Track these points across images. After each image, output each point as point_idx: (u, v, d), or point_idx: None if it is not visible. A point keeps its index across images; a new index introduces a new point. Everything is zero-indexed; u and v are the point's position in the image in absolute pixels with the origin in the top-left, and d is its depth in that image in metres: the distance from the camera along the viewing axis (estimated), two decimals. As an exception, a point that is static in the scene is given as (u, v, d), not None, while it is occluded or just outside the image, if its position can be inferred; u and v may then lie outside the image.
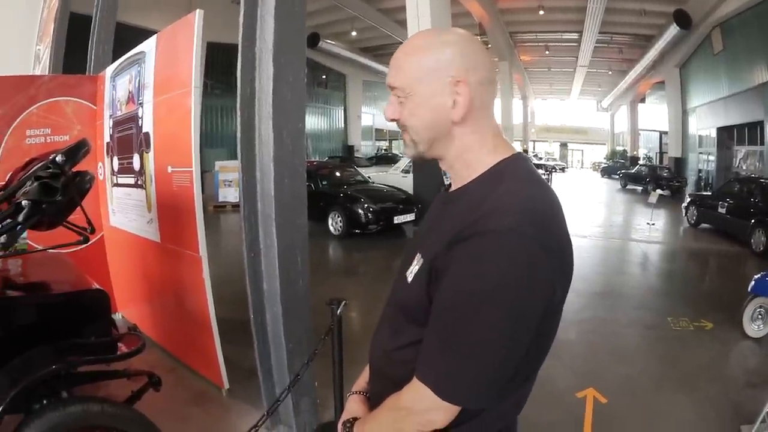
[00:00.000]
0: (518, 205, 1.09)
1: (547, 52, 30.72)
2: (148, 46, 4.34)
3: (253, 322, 3.43)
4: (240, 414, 2.52)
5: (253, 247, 3.32)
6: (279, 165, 3.16)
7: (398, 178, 14.58)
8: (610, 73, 34.11)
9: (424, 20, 10.70)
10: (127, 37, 6.61)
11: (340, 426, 1.41)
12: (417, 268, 1.24)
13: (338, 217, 11.42)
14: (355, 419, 1.38)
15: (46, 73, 8.26)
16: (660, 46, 24.21)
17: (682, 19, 20.43)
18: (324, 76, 34.04)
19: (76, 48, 8.06)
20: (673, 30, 21.49)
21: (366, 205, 10.98)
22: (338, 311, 2.77)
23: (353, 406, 1.47)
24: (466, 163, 1.25)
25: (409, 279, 1.26)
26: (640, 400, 4.04)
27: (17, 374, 2.35)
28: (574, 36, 26.22)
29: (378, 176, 14.95)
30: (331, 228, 11.56)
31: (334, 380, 2.52)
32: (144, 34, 4.86)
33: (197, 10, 3.62)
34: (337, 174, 13.62)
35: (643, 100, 36.76)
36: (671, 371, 4.55)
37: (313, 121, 32.01)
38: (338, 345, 2.77)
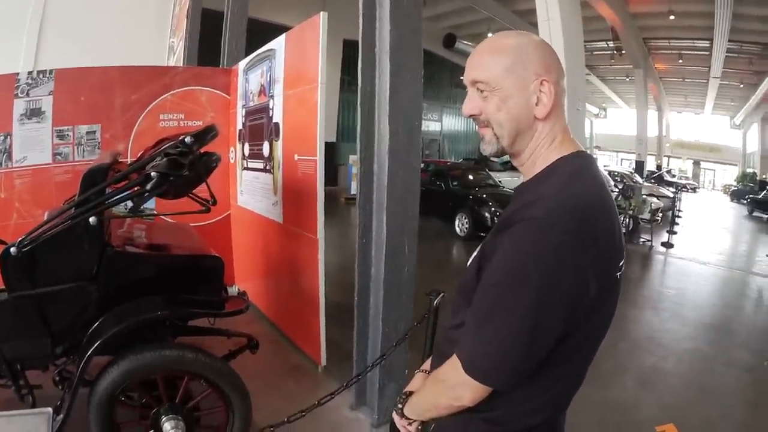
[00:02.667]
0: (553, 199, 1.14)
1: (680, 61, 28.78)
2: (278, 43, 4.62)
3: (356, 303, 3.58)
4: (329, 390, 2.68)
5: (366, 233, 3.48)
6: (394, 159, 3.28)
7: None
8: (741, 86, 31.55)
9: (554, 23, 10.46)
10: (260, 32, 7.01)
11: (398, 398, 1.51)
12: (475, 254, 1.34)
13: (465, 218, 11.42)
14: (411, 393, 1.48)
15: (180, 65, 8.84)
16: None
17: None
18: (461, 77, 33.59)
19: (209, 41, 8.50)
20: None
21: (493, 209, 10.83)
22: (435, 302, 2.85)
23: (415, 381, 1.59)
24: (534, 159, 1.29)
25: (468, 264, 1.36)
26: None
27: (123, 316, 2.63)
28: (706, 44, 24.41)
29: (509, 181, 14.72)
30: (457, 229, 11.58)
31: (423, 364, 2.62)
32: (276, 29, 5.15)
33: (322, 12, 3.86)
34: (469, 176, 13.52)
35: None
36: (755, 418, 4.28)
37: (451, 122, 31.47)
38: (431, 334, 2.86)
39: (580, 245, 1.10)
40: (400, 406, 1.47)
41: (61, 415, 2.58)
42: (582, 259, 1.11)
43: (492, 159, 1.42)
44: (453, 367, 1.22)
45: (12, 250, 2.48)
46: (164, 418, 2.72)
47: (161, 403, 2.75)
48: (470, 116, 1.32)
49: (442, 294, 2.84)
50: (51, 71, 5.14)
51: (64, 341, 2.75)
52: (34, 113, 5.08)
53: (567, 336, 1.18)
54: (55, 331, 2.72)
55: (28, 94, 5.05)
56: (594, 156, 1.37)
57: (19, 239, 2.50)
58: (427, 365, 1.60)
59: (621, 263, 1.24)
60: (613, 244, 1.19)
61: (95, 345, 2.53)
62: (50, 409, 2.56)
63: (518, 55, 1.23)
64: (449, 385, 1.25)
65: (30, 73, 5.13)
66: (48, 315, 2.69)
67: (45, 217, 2.71)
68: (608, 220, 1.19)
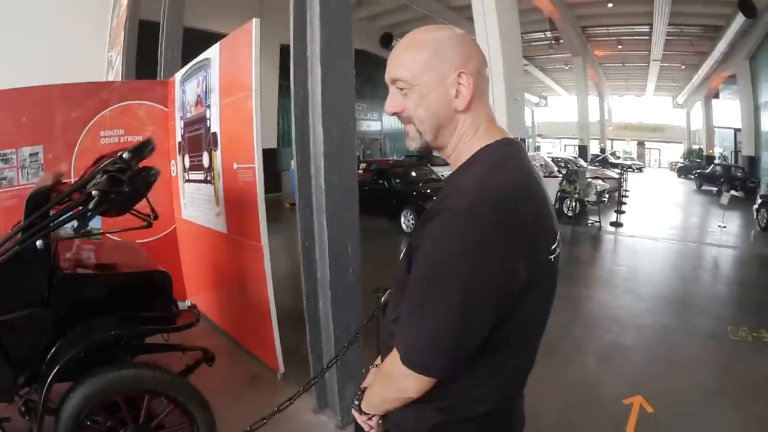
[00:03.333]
0: (475, 187, 1.16)
1: (619, 47, 29.41)
2: (213, 52, 4.60)
3: (306, 308, 3.59)
4: (289, 395, 2.70)
5: (308, 237, 3.49)
6: (330, 161, 3.31)
7: None
8: (683, 67, 32.46)
9: (490, 17, 10.55)
10: (197, 41, 6.91)
11: (354, 394, 1.53)
12: (405, 247, 1.38)
13: (410, 214, 11.52)
14: (365, 388, 1.49)
15: (119, 79, 8.73)
16: (729, 37, 22.61)
17: (747, 7, 18.76)
18: None
19: (148, 53, 8.34)
20: (740, 19, 20.03)
21: None
22: (383, 298, 2.88)
23: (369, 377, 1.59)
24: (459, 151, 1.31)
25: (401, 256, 1.36)
26: (687, 412, 3.94)
27: (77, 340, 2.61)
28: (645, 29, 25.01)
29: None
30: (404, 225, 11.68)
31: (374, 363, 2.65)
32: (214, 37, 5.11)
33: (254, 19, 3.86)
34: (412, 173, 13.64)
35: (716, 96, 34.75)
36: (723, 384, 4.40)
37: (391, 121, 31.30)
38: (381, 331, 2.89)
39: (503, 233, 1.11)
40: (357, 402, 1.49)
41: None
42: (506, 247, 1.12)
43: (417, 154, 1.44)
44: (394, 360, 1.24)
45: None
46: None
47: (126, 425, 2.73)
48: (393, 114, 1.33)
49: (389, 291, 2.87)
50: None
51: (24, 370, 2.71)
52: None
53: (502, 322, 1.19)
54: (15, 361, 2.68)
55: None
56: (522, 142, 1.39)
57: None
58: (380, 360, 1.60)
59: (554, 246, 1.26)
60: (542, 228, 1.21)
61: (53, 372, 2.51)
62: None
63: (435, 50, 1.25)
64: (393, 378, 1.27)
65: None
66: (4, 344, 2.64)
67: None
68: (534, 204, 1.20)
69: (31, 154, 5.14)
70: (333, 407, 3.64)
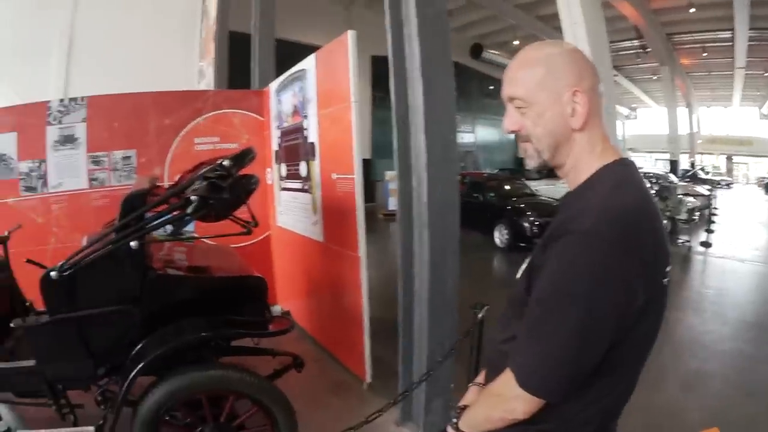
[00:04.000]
0: (600, 208, 1.16)
1: (704, 54, 28.14)
2: (309, 63, 4.66)
3: (401, 320, 3.58)
4: (375, 406, 2.66)
5: (407, 250, 3.48)
6: (432, 173, 3.28)
7: (566, 191, 13.99)
8: (766, 74, 31.15)
9: (578, 27, 10.37)
10: (288, 52, 7.09)
11: (453, 412, 1.50)
12: (524, 266, 1.36)
13: (504, 229, 11.29)
14: (465, 407, 1.46)
15: (211, 88, 8.97)
16: None
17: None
18: (491, 87, 32.36)
19: (238, 64, 8.63)
20: None
21: (532, 219, 10.67)
22: (480, 315, 2.81)
23: (469, 395, 1.58)
24: (577, 169, 1.31)
25: (518, 276, 1.37)
26: None
27: (166, 338, 2.67)
28: (727, 34, 23.99)
29: (545, 189, 14.49)
30: (497, 240, 11.45)
31: (469, 380, 2.59)
32: (303, 49, 5.21)
33: (349, 31, 3.90)
34: (506, 186, 13.28)
35: None
36: None
37: (484, 133, 30.86)
38: (476, 348, 2.82)
39: (626, 256, 1.12)
40: (455, 420, 1.45)
41: None
42: (628, 270, 1.12)
43: (534, 171, 1.43)
44: (506, 380, 1.24)
45: (52, 274, 2.53)
46: None
47: (205, 423, 2.78)
48: (511, 132, 1.34)
49: (486, 307, 2.81)
50: (83, 98, 5.26)
51: (106, 362, 2.80)
52: (67, 140, 5.20)
53: (616, 345, 1.18)
54: (97, 353, 2.77)
55: (60, 122, 5.19)
56: (635, 162, 1.39)
57: (60, 263, 2.55)
58: (480, 378, 1.60)
59: (667, 269, 1.25)
60: (659, 251, 1.21)
61: (139, 367, 2.58)
62: (92, 429, 2.67)
63: (549, 68, 1.25)
64: (502, 399, 1.26)
65: (62, 100, 5.26)
66: (90, 337, 2.74)
67: (84, 242, 2.76)
68: (653, 227, 1.20)
69: (123, 158, 5.39)
70: (416, 421, 3.59)
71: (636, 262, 1.13)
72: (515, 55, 1.34)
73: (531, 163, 1.35)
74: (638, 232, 1.15)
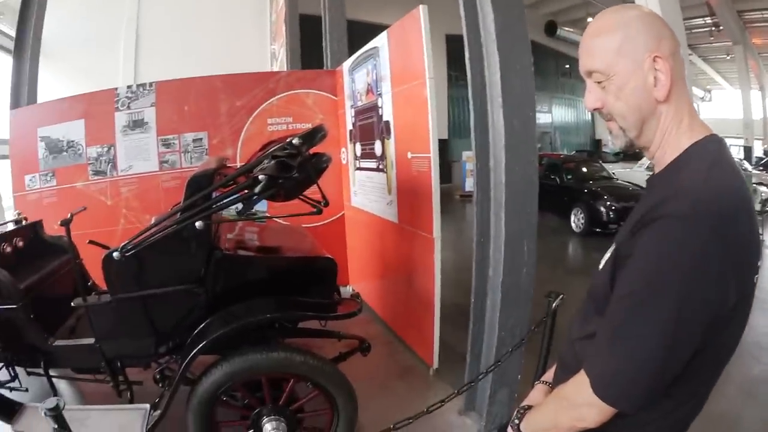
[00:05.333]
0: (697, 191, 1.03)
1: None
2: (381, 41, 4.59)
3: (472, 305, 3.48)
4: (440, 393, 2.59)
5: (483, 232, 3.36)
6: (510, 153, 3.14)
7: (643, 175, 13.48)
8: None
9: (652, 2, 9.97)
10: (359, 33, 7.07)
11: (514, 412, 1.41)
12: (608, 255, 1.25)
13: (580, 213, 11.00)
14: (529, 407, 1.38)
15: (284, 69, 9.10)
16: None
17: None
18: (567, 66, 31.58)
19: (310, 45, 8.74)
20: None
21: (609, 203, 10.39)
22: (554, 305, 2.69)
23: (534, 394, 1.50)
24: (664, 147, 1.19)
25: (600, 266, 1.27)
26: None
27: (230, 318, 2.65)
28: None
29: (623, 173, 14.12)
30: (573, 224, 11.19)
31: (537, 374, 2.49)
32: (375, 28, 5.15)
33: (421, 6, 3.81)
34: (583, 169, 13.02)
35: None
36: None
37: (561, 114, 30.32)
38: (548, 339, 2.69)
39: (724, 247, 1.00)
40: (517, 421, 1.37)
41: (158, 411, 2.66)
42: (725, 264, 1.00)
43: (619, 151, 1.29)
44: (579, 384, 1.14)
45: (114, 254, 2.58)
46: (265, 419, 2.75)
47: (264, 404, 2.77)
48: (594, 110, 1.24)
49: (561, 296, 2.67)
50: (151, 84, 5.43)
51: (167, 341, 2.84)
52: (137, 124, 5.40)
53: (700, 351, 1.07)
54: (160, 332, 2.81)
55: (129, 107, 5.39)
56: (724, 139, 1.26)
57: (122, 244, 2.58)
58: (548, 376, 1.53)
59: (759, 263, 1.12)
60: (754, 243, 1.08)
61: (201, 345, 2.58)
62: (147, 406, 2.71)
63: (625, 33, 1.14)
64: (573, 404, 1.17)
65: (129, 87, 5.45)
66: (153, 316, 2.77)
67: (152, 222, 2.78)
68: (750, 216, 1.06)
69: (194, 140, 5.52)
70: (480, 411, 3.50)
71: (732, 256, 1.01)
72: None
73: (617, 143, 1.25)
74: (736, 219, 1.02)
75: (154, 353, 2.85)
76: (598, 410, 1.10)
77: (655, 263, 1.02)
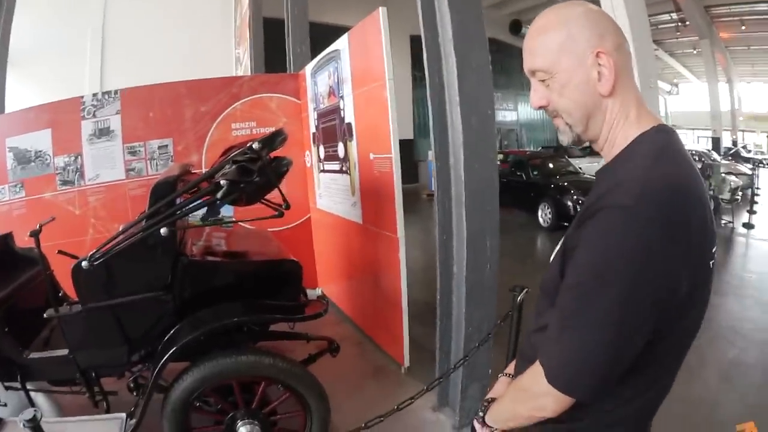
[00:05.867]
0: (642, 180, 1.03)
1: (743, 27, 27.47)
2: (342, 43, 4.60)
3: (438, 303, 3.50)
4: (412, 391, 2.61)
5: (446, 230, 3.39)
6: (469, 151, 3.18)
7: None
8: (807, 46, 30.10)
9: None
10: (323, 35, 7.02)
11: (480, 404, 1.44)
12: (557, 248, 1.25)
13: (547, 208, 11.14)
14: (493, 399, 1.40)
15: (248, 74, 9.09)
16: None
17: None
18: None
19: (274, 49, 8.68)
20: None
21: (575, 197, 10.51)
22: (519, 298, 2.73)
23: (498, 386, 1.52)
24: (612, 140, 1.19)
25: (551, 260, 1.27)
26: None
27: (198, 323, 2.65)
28: (765, 6, 23.40)
29: (590, 167, 14.22)
30: (540, 219, 11.32)
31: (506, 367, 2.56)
32: (338, 30, 5.18)
33: (380, 8, 3.83)
34: (549, 165, 13.11)
35: None
36: None
37: (527, 111, 30.32)
38: (515, 332, 2.75)
39: (672, 235, 1.00)
40: (481, 413, 1.40)
41: (134, 420, 2.65)
42: (674, 251, 1.01)
43: (571, 147, 1.33)
44: (535, 375, 1.15)
45: (83, 263, 2.56)
46: (240, 423, 2.77)
47: (237, 408, 2.79)
48: (539, 108, 1.24)
49: (526, 290, 2.72)
50: (116, 91, 5.38)
51: (139, 349, 2.83)
52: (103, 132, 5.33)
53: (656, 339, 1.08)
54: (131, 340, 2.80)
55: (94, 115, 5.32)
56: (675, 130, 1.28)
57: (90, 253, 2.57)
58: (511, 368, 1.54)
59: (714, 249, 1.13)
60: (706, 229, 1.08)
61: (171, 352, 2.58)
62: (123, 415, 2.67)
63: (567, 31, 1.14)
64: (531, 395, 1.18)
65: (95, 95, 5.38)
66: (123, 325, 2.76)
67: (119, 231, 2.78)
68: (700, 202, 1.07)
69: (160, 147, 5.49)
70: (453, 406, 3.54)
71: (682, 244, 1.02)
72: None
73: (565, 139, 1.24)
74: (685, 209, 1.03)
75: (127, 362, 2.84)
76: (555, 399, 1.11)
77: (600, 253, 1.03)
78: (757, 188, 13.89)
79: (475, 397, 3.41)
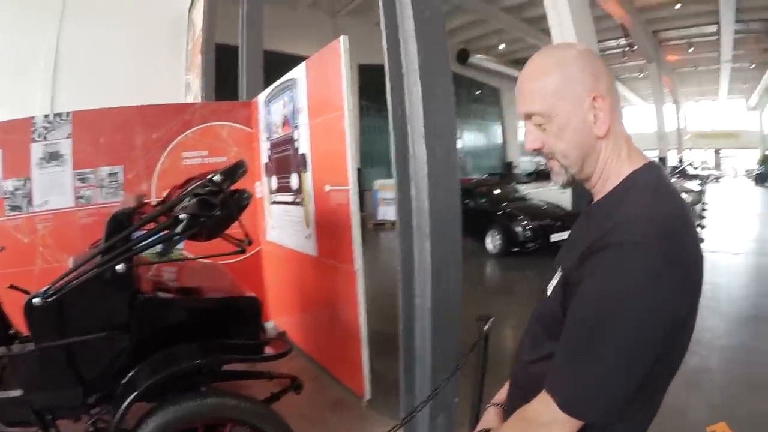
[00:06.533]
0: (645, 218, 1.08)
1: (690, 50, 28.67)
2: (299, 72, 4.56)
3: (401, 334, 3.46)
4: (376, 424, 2.55)
5: (407, 261, 3.35)
6: (433, 181, 3.17)
7: (556, 193, 14.02)
8: (752, 67, 31.44)
9: (566, 27, 10.35)
10: (275, 63, 7.02)
11: None
12: (555, 282, 1.27)
13: (496, 234, 11.18)
14: (488, 430, 1.42)
15: (198, 101, 8.88)
16: None
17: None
18: (478, 92, 32.81)
19: (225, 76, 8.63)
20: None
21: (524, 223, 10.65)
22: (485, 327, 2.72)
23: (489, 417, 1.51)
24: (605, 178, 1.24)
25: (548, 292, 1.29)
26: None
27: (158, 366, 2.54)
28: (713, 28, 24.50)
29: (536, 192, 14.54)
30: (489, 246, 11.34)
31: (474, 397, 2.53)
32: (290, 59, 5.15)
33: (342, 37, 3.81)
34: (496, 191, 13.27)
35: None
36: None
37: (471, 138, 31.11)
38: (482, 362, 2.73)
39: (675, 268, 1.05)
40: None
41: None
42: (676, 282, 1.05)
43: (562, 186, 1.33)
44: (544, 404, 1.15)
45: (36, 300, 2.40)
46: None
47: None
48: (533, 150, 1.27)
49: (491, 318, 2.69)
50: (68, 114, 5.14)
51: (96, 391, 2.68)
52: (53, 157, 5.09)
53: (656, 361, 1.11)
54: (87, 381, 2.65)
55: (45, 138, 5.07)
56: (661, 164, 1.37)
57: (44, 288, 2.42)
58: (499, 398, 1.54)
59: (702, 277, 1.17)
60: (699, 258, 1.14)
61: (131, 397, 2.46)
62: None
63: (562, 75, 1.17)
64: (540, 423, 1.17)
65: (46, 116, 5.15)
66: (78, 365, 2.62)
67: (70, 263, 2.67)
68: (693, 234, 1.14)
69: (110, 174, 5.28)
70: (420, 437, 3.48)
71: (683, 275, 1.07)
72: (524, 64, 1.26)
73: (559, 180, 1.28)
74: (683, 242, 1.09)
75: (83, 404, 2.69)
76: (566, 426, 1.12)
77: (610, 287, 1.06)
78: (705, 203, 14.38)
79: (442, 427, 3.38)
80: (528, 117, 1.24)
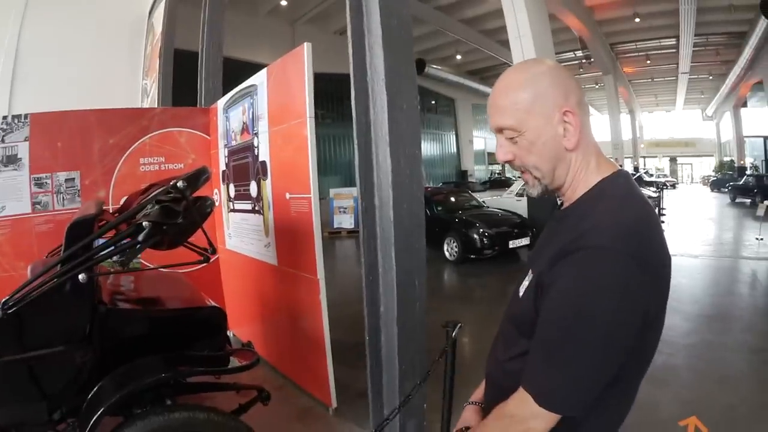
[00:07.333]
0: (614, 223, 1.14)
1: (648, 62, 29.57)
2: (260, 78, 4.50)
3: (367, 343, 3.43)
4: (343, 431, 2.52)
5: (372, 270, 3.33)
6: (398, 190, 3.17)
7: (512, 201, 14.30)
8: (710, 78, 32.59)
9: (525, 39, 10.51)
10: (234, 71, 6.99)
11: None
12: (527, 283, 1.31)
13: (453, 242, 11.23)
14: (467, 428, 1.47)
15: (155, 106, 8.78)
16: (753, 43, 22.87)
17: (768, 9, 18.56)
18: (433, 102, 33.46)
19: (183, 82, 8.56)
20: (763, 23, 19.97)
21: (481, 230, 10.73)
22: (453, 334, 2.72)
23: (467, 415, 1.55)
24: (575, 186, 1.30)
25: (521, 294, 1.32)
26: (740, 429, 3.85)
27: (124, 380, 2.46)
28: (672, 41, 25.31)
29: (492, 200, 14.73)
30: (447, 254, 11.38)
31: (444, 403, 2.53)
32: (249, 67, 5.08)
33: (305, 43, 3.77)
34: (452, 199, 13.43)
35: (745, 104, 34.77)
36: None
37: (426, 147, 31.51)
38: (451, 368, 2.74)
39: (644, 271, 1.11)
40: None
41: None
42: (645, 286, 1.12)
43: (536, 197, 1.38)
44: (521, 401, 1.20)
45: None
46: None
47: None
48: (505, 162, 1.32)
49: (459, 325, 2.70)
50: (26, 116, 4.96)
51: (60, 406, 2.59)
52: (10, 160, 4.90)
53: (628, 356, 1.17)
54: (51, 396, 2.55)
55: (3, 140, 4.88)
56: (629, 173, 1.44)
57: (3, 300, 2.32)
58: (476, 396, 1.60)
59: (670, 276, 1.25)
60: (666, 260, 1.20)
61: (97, 414, 2.37)
62: None
63: (534, 90, 1.22)
64: (518, 419, 1.21)
65: (4, 117, 4.95)
66: (40, 379, 2.51)
67: (28, 272, 2.56)
68: (661, 237, 1.20)
69: (67, 180, 5.11)
70: (390, 445, 3.47)
71: (651, 276, 1.14)
72: (497, 80, 1.31)
73: (533, 192, 1.33)
74: (651, 245, 1.16)
75: (49, 420, 2.58)
76: (544, 420, 1.17)
77: (581, 289, 1.11)
78: (663, 209, 14.65)
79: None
80: (500, 131, 1.28)
